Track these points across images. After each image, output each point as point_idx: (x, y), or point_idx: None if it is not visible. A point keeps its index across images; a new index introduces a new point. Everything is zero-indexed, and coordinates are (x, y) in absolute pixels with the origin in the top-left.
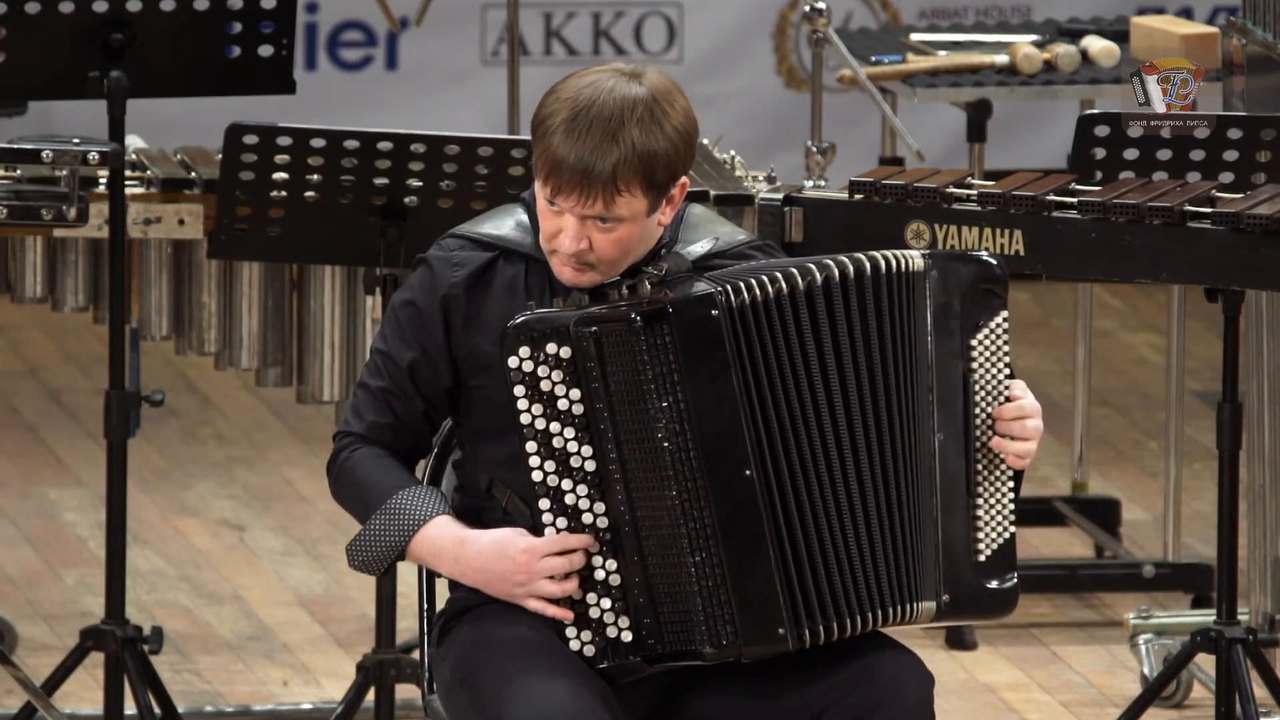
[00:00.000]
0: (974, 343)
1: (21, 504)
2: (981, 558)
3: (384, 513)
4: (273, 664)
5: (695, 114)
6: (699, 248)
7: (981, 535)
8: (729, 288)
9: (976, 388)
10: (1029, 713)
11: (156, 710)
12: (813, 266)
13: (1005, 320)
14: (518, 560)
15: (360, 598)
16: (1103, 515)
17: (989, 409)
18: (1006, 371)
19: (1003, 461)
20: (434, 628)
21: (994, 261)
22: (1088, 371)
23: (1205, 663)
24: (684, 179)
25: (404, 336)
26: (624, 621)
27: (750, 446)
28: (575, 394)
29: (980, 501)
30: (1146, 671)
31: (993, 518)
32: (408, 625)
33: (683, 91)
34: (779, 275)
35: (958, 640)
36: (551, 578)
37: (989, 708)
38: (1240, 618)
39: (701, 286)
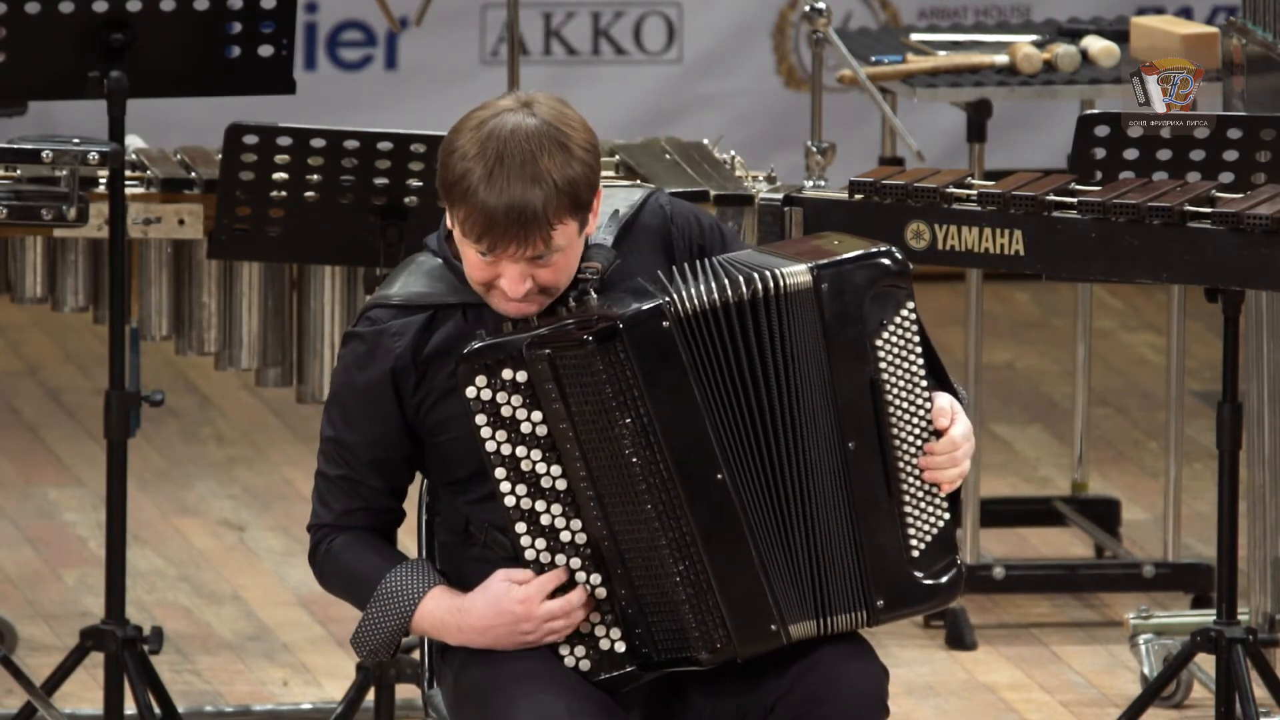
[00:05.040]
0: (879, 343)
1: (21, 504)
2: (915, 553)
3: (378, 599)
4: (273, 664)
5: (699, 114)
6: (610, 231)
7: (913, 531)
8: (675, 297)
9: (888, 387)
10: (1029, 713)
11: (156, 710)
12: (741, 279)
13: (912, 311)
14: (516, 612)
15: None
16: (1103, 515)
17: (906, 405)
18: (921, 362)
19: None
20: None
21: (888, 260)
22: (1088, 371)
23: (1205, 663)
24: (599, 188)
25: (353, 421)
26: (616, 633)
27: (718, 450)
28: (537, 416)
29: (907, 498)
30: (1146, 671)
31: (924, 511)
32: None
33: (569, 104)
34: (714, 285)
35: (958, 640)
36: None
37: (989, 708)
38: (1240, 618)
39: (644, 300)
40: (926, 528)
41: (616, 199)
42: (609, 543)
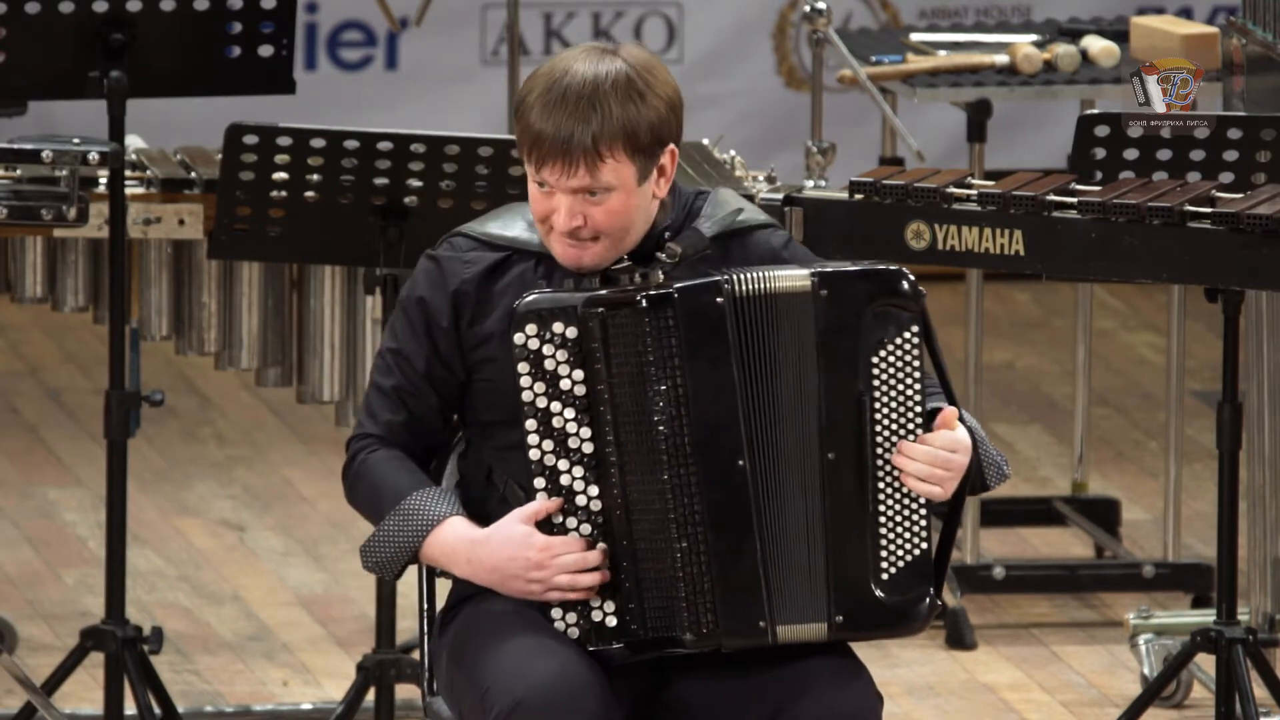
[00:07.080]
0: (875, 360)
1: (21, 504)
2: (885, 575)
3: (398, 514)
4: (273, 664)
5: (699, 114)
6: (718, 225)
7: (886, 554)
8: (736, 277)
9: (879, 406)
10: (1029, 713)
11: (156, 710)
12: (747, 276)
13: (915, 335)
14: (533, 558)
15: (360, 598)
16: (1103, 515)
17: (895, 427)
18: (917, 387)
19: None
20: (435, 622)
21: (899, 280)
22: (1088, 371)
23: (1205, 663)
24: (672, 147)
25: (415, 333)
26: (610, 606)
27: (744, 436)
28: (579, 375)
29: (884, 520)
30: (1146, 671)
31: (899, 535)
32: (408, 625)
33: (663, 64)
34: (777, 274)
35: (958, 640)
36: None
37: (989, 708)
38: (1240, 618)
39: (711, 274)
40: (901, 553)
41: (747, 205)
42: (620, 513)
